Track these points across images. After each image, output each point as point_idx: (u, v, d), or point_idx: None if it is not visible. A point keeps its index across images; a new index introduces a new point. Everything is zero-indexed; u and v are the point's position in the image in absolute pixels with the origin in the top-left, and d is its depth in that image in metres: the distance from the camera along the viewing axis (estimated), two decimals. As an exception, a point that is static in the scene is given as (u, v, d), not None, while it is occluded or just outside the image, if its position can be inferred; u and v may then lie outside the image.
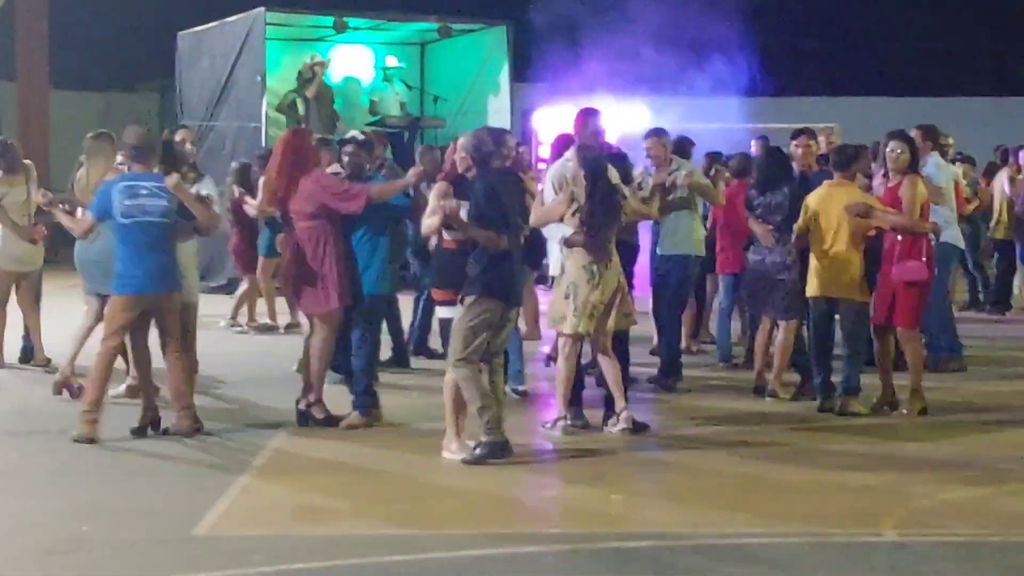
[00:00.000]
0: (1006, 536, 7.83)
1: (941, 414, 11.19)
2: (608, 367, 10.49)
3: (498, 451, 9.33)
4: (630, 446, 10.08)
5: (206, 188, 11.47)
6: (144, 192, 10.12)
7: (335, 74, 22.40)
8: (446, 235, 9.80)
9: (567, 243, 10.36)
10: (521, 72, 24.39)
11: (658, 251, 12.61)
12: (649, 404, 11.64)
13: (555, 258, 10.89)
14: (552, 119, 24.87)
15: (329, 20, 22.10)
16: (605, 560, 7.41)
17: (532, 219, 10.51)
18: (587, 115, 10.95)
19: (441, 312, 10.16)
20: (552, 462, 9.76)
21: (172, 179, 10.28)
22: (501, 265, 9.49)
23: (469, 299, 9.45)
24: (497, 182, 9.65)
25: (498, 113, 22.35)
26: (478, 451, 9.38)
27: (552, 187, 10.65)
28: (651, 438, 10.37)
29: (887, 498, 8.61)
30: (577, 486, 9.01)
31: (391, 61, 22.61)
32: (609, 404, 10.61)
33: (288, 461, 9.76)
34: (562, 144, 11.37)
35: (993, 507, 8.53)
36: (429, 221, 9.95)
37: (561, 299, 10.40)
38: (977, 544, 7.70)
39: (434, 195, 9.99)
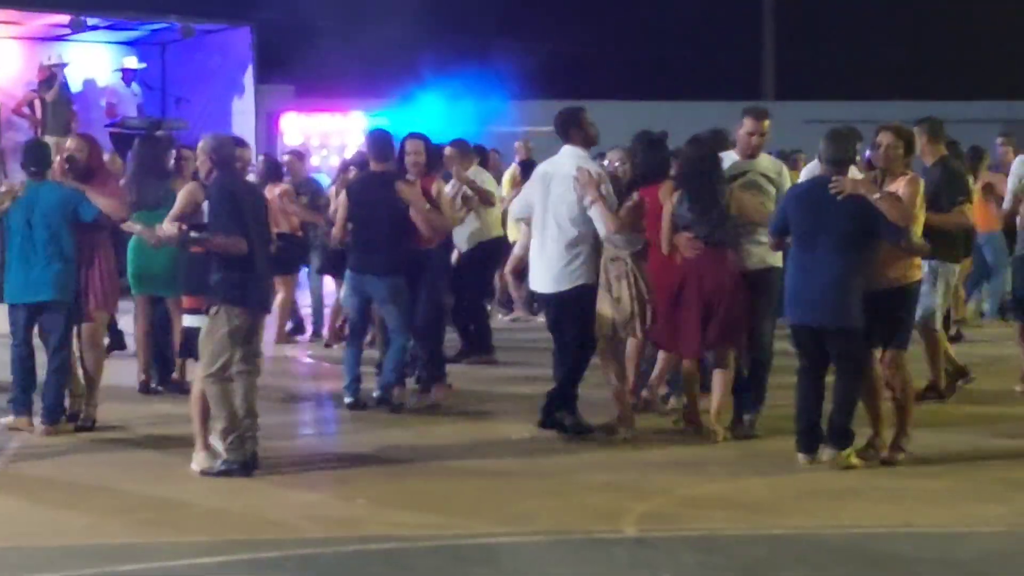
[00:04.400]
0: (741, 529, 8.03)
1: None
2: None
3: (237, 470, 9.11)
4: (376, 451, 10.04)
5: None
6: None
7: (73, 75, 21.83)
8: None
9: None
10: (266, 74, 24.14)
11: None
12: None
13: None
14: (299, 122, 24.78)
15: (65, 18, 21.53)
16: (346, 562, 7.39)
17: (616, 225, 10.07)
18: (581, 112, 10.53)
19: (187, 320, 9.93)
20: (298, 469, 9.57)
21: None
22: (242, 271, 9.20)
23: (213, 309, 9.20)
24: (236, 186, 9.46)
25: (242, 115, 22.07)
26: (219, 465, 9.19)
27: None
28: (399, 442, 10.34)
29: (628, 496, 8.72)
30: (321, 492, 8.94)
31: (129, 62, 22.14)
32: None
33: (22, 473, 9.47)
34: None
35: (729, 501, 8.71)
36: (168, 227, 9.52)
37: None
38: (714, 537, 7.86)
39: (181, 196, 9.65)
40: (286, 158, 17.25)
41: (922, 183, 9.73)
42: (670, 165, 10.83)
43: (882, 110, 30.91)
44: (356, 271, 11.68)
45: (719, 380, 10.30)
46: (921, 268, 9.79)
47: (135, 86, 22.04)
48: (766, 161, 10.71)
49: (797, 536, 7.88)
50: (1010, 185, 13.36)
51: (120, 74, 22.04)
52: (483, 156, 15.68)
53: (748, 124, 10.44)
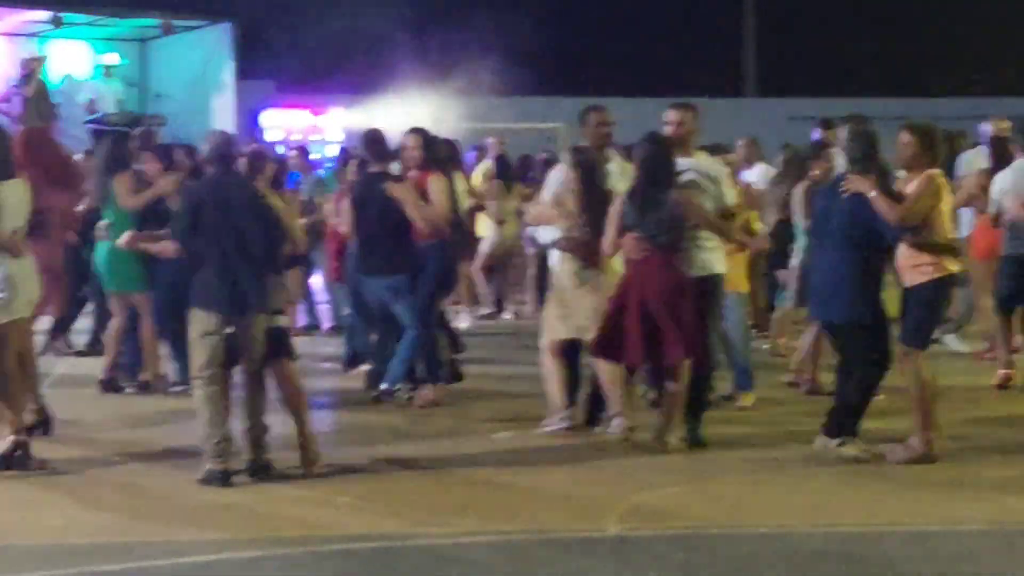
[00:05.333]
0: (723, 528, 8.01)
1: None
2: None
3: (215, 479, 8.88)
4: (357, 451, 9.98)
5: None
6: None
7: (53, 71, 21.76)
8: None
9: (560, 246, 10.26)
10: (247, 70, 24.09)
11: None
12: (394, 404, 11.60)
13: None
14: (280, 118, 24.76)
15: (45, 15, 21.47)
16: (329, 562, 7.35)
17: (528, 217, 10.63)
18: (590, 111, 10.76)
19: None
20: (280, 469, 9.45)
21: None
22: (209, 275, 9.05)
23: (190, 311, 9.18)
24: (212, 189, 9.26)
25: (223, 111, 22.02)
26: (200, 475, 8.96)
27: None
28: (380, 442, 10.31)
29: (611, 495, 8.70)
30: (302, 491, 8.89)
31: (110, 58, 22.08)
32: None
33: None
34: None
35: (713, 500, 8.71)
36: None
37: (552, 305, 10.32)
38: (697, 536, 7.85)
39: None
40: (292, 154, 17.27)
41: (937, 182, 9.41)
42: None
43: (866, 107, 30.91)
44: (361, 273, 11.71)
45: (674, 394, 9.84)
46: (941, 267, 9.41)
47: (115, 82, 21.98)
48: (705, 160, 10.37)
49: (781, 535, 7.86)
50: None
51: (100, 70, 21.97)
52: (453, 152, 15.11)
53: (665, 115, 10.24)
